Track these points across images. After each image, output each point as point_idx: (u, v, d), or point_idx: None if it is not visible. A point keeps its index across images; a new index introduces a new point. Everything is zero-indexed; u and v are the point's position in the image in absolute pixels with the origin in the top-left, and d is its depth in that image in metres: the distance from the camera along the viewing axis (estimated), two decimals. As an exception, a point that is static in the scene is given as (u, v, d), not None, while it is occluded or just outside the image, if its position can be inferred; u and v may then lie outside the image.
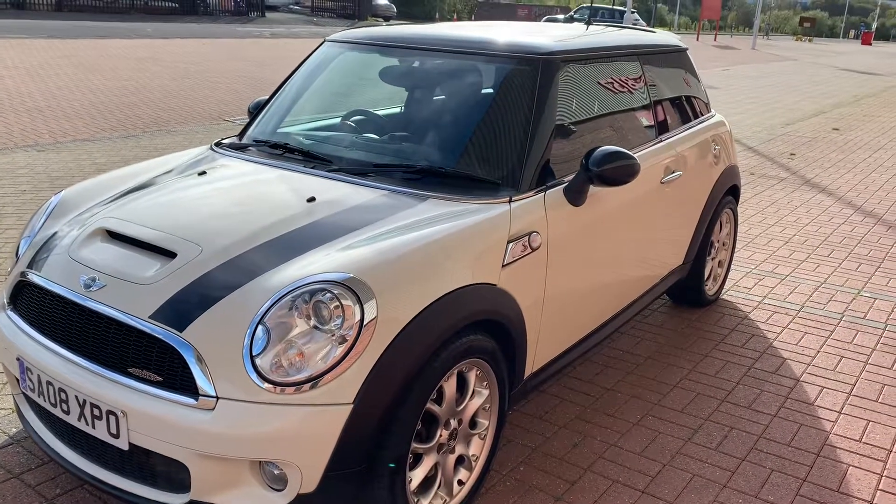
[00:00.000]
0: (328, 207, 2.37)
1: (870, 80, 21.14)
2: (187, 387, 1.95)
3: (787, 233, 5.70)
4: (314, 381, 1.91)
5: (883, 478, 2.69)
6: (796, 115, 12.59)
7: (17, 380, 2.43)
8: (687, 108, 3.88)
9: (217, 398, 1.91)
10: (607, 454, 2.78)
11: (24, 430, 2.76)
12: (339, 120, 3.17)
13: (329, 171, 2.64)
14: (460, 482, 2.38)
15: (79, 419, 2.09)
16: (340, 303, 1.96)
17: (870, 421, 3.07)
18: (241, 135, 3.24)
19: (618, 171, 2.65)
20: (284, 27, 28.36)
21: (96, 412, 2.04)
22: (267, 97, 3.46)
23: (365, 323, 1.95)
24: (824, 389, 3.32)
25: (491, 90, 2.84)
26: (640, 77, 3.42)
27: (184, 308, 2.00)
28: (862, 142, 10.11)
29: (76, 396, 2.07)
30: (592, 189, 2.72)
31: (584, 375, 3.35)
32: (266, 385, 1.91)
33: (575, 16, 39.42)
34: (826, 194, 6.99)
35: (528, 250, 2.48)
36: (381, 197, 2.46)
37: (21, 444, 2.68)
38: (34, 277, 2.30)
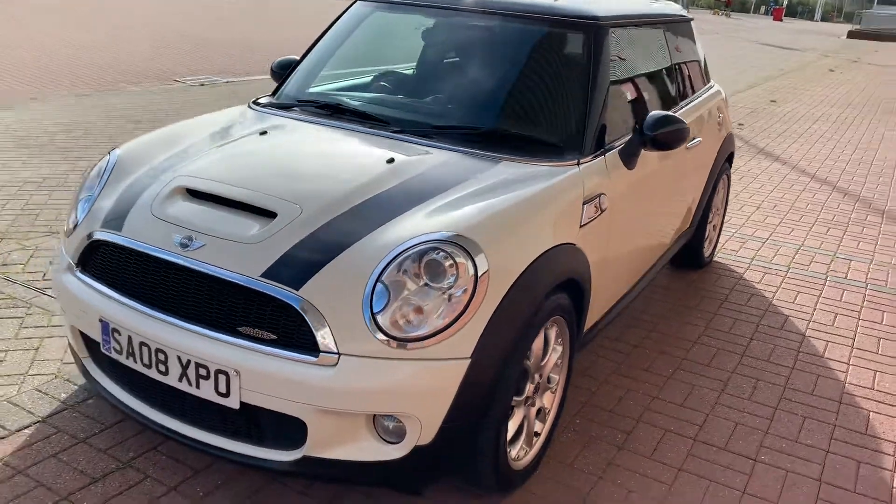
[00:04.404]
0: (410, 168, 2.39)
1: (790, 54, 22.05)
2: (304, 344, 1.96)
3: (756, 199, 5.99)
4: (435, 336, 1.95)
5: (901, 421, 2.94)
6: (733, 87, 13.06)
7: (86, 343, 2.39)
8: (698, 76, 4.02)
9: (339, 354, 1.93)
10: (652, 406, 2.92)
11: (75, 394, 2.69)
12: (383, 80, 3.16)
13: (394, 132, 2.66)
14: (536, 434, 2.48)
15: (180, 380, 2.07)
16: (454, 260, 2.00)
17: (876, 371, 3.33)
18: (276, 93, 3.20)
19: (670, 136, 2.75)
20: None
21: (202, 372, 2.03)
22: (294, 57, 3.43)
23: (479, 276, 2.00)
24: (829, 343, 3.56)
25: (546, 54, 2.89)
26: (664, 45, 3.53)
27: (296, 267, 2.00)
28: (799, 113, 10.60)
29: (178, 357, 2.05)
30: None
31: (611, 334, 3.49)
32: (388, 340, 1.94)
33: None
34: (780, 163, 7.35)
35: (598, 211, 2.56)
36: (457, 158, 2.49)
37: (76, 409, 2.62)
38: (112, 237, 2.24)
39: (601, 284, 2.75)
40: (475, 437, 2.10)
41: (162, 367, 2.10)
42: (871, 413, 2.98)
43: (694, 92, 3.90)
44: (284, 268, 2.00)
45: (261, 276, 1.99)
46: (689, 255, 4.25)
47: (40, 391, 2.71)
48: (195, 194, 2.28)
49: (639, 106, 3.09)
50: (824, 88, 13.83)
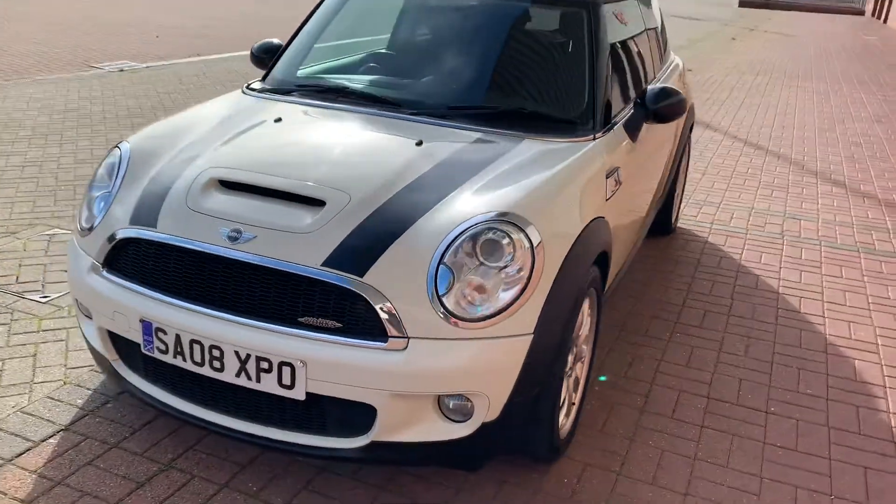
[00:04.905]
0: (440, 150, 2.40)
1: (696, 24, 22.79)
2: (371, 330, 1.96)
3: (700, 165, 6.24)
4: (500, 313, 1.99)
5: (883, 366, 3.17)
6: (649, 57, 13.44)
7: (119, 346, 2.31)
8: (664, 46, 4.16)
9: (408, 338, 1.95)
10: (661, 368, 3.05)
11: (91, 399, 2.59)
12: (381, 61, 3.14)
13: (410, 114, 2.65)
14: (572, 403, 2.55)
15: (237, 375, 2.04)
16: (510, 238, 2.03)
17: (850, 322, 3.57)
18: (267, 77, 3.13)
19: (671, 108, 2.86)
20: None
21: (264, 365, 2.00)
22: (275, 40, 3.36)
23: (535, 249, 2.04)
24: (802, 300, 3.79)
25: (548, 32, 2.94)
26: (640, 16, 3.64)
27: (356, 254, 1.99)
28: (716, 82, 11.04)
29: (236, 352, 2.01)
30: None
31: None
32: (455, 322, 1.96)
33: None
34: (713, 130, 7.66)
35: (617, 185, 2.65)
36: (482, 138, 2.52)
37: (97, 414, 2.53)
38: (146, 234, 2.16)
39: (615, 255, 2.84)
40: (535, 410, 2.16)
41: (217, 364, 2.05)
42: (855, 361, 3.20)
43: (663, 63, 4.03)
44: (344, 256, 1.99)
45: (322, 265, 1.97)
46: (661, 221, 4.41)
47: (53, 398, 2.60)
48: (229, 185, 2.23)
49: (631, 79, 3.18)
50: (732, 56, 14.41)
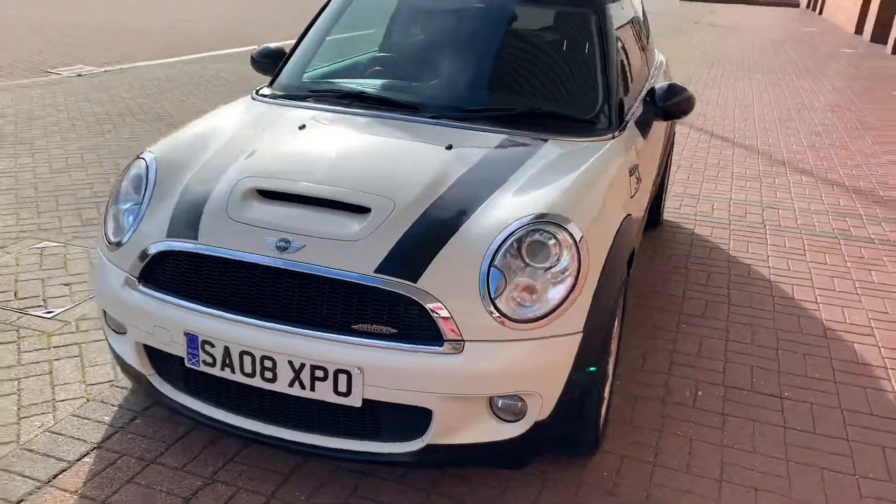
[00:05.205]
0: (471, 154, 2.42)
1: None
2: (426, 335, 1.98)
3: (674, 159, 6.38)
4: (551, 313, 2.02)
5: (881, 348, 3.31)
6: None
7: (155, 360, 2.27)
8: (649, 40, 4.25)
9: (464, 341, 1.97)
10: (675, 359, 3.13)
11: (119, 415, 2.55)
12: (392, 64, 3.14)
13: (431, 118, 2.67)
14: (603, 398, 2.61)
15: (291, 385, 2.03)
16: (556, 238, 2.07)
17: (842, 307, 3.71)
18: (274, 83, 3.11)
19: (680, 105, 2.94)
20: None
21: (319, 374, 2.00)
22: (275, 44, 3.34)
23: (580, 247, 2.07)
24: (794, 287, 3.92)
25: (558, 32, 2.98)
26: (635, 14, 3.71)
27: (408, 260, 2.00)
28: (673, 75, 11.25)
29: (290, 362, 2.01)
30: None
31: (609, 296, 3.67)
32: (508, 323, 1.99)
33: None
34: (680, 124, 7.81)
35: (638, 182, 2.71)
36: (508, 140, 2.55)
37: (128, 431, 2.49)
38: (187, 247, 2.13)
39: (629, 251, 2.91)
40: (583, 407, 2.20)
41: (269, 375, 2.04)
42: (854, 344, 3.33)
43: (653, 57, 4.12)
44: (396, 262, 2.00)
45: (375, 271, 1.98)
46: (651, 214, 4.50)
47: (79, 416, 2.54)
48: (267, 195, 2.21)
49: (632, 76, 3.25)
50: (682, 50, 14.72)
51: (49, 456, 2.35)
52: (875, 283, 4.01)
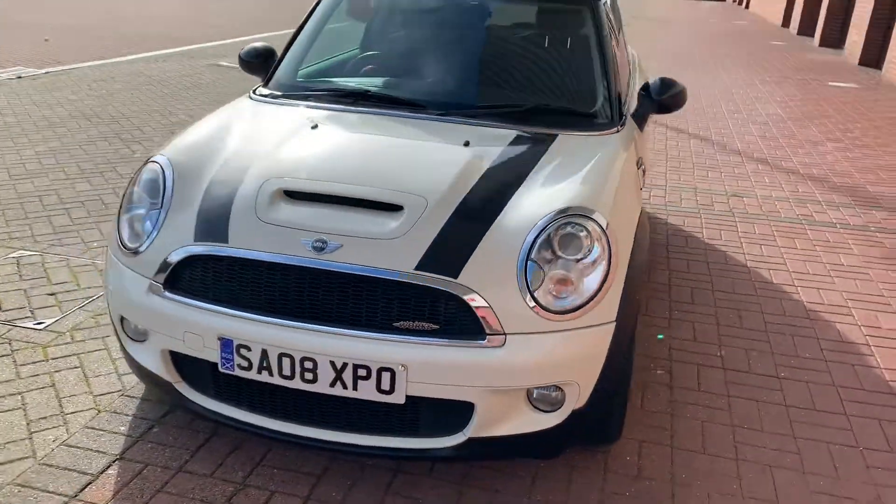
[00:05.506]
0: (490, 150, 2.45)
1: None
2: (468, 329, 2.00)
3: (634, 151, 6.53)
4: (587, 304, 2.07)
5: (861, 327, 3.47)
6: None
7: (181, 367, 2.23)
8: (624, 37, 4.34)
9: (505, 335, 2.00)
10: (673, 345, 3.22)
11: (135, 425, 2.49)
12: (393, 62, 3.14)
13: (438, 114, 2.69)
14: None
15: (332, 385, 2.02)
16: (587, 229, 2.12)
17: (818, 289, 3.87)
18: (270, 82, 3.07)
19: (675, 99, 3.02)
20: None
21: (362, 373, 2.00)
22: (262, 44, 3.29)
23: (609, 236, 2.12)
24: (771, 271, 4.07)
25: (556, 29, 3.03)
26: (613, 10, 3.79)
27: (447, 256, 2.02)
28: (619, 69, 11.50)
29: (331, 362, 2.00)
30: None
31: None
32: (548, 315, 2.03)
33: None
34: (633, 116, 8.00)
35: (644, 175, 2.78)
36: (521, 136, 2.58)
37: (147, 440, 2.43)
38: (218, 250, 2.10)
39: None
40: (615, 394, 2.26)
41: (309, 376, 2.03)
42: (836, 324, 3.49)
43: (627, 51, 4.21)
44: (435, 259, 2.01)
45: (415, 269, 1.99)
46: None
47: (93, 428, 2.48)
48: (295, 195, 2.20)
49: (621, 70, 3.32)
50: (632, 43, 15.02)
51: (71, 470, 2.28)
52: (844, 265, 4.19)
